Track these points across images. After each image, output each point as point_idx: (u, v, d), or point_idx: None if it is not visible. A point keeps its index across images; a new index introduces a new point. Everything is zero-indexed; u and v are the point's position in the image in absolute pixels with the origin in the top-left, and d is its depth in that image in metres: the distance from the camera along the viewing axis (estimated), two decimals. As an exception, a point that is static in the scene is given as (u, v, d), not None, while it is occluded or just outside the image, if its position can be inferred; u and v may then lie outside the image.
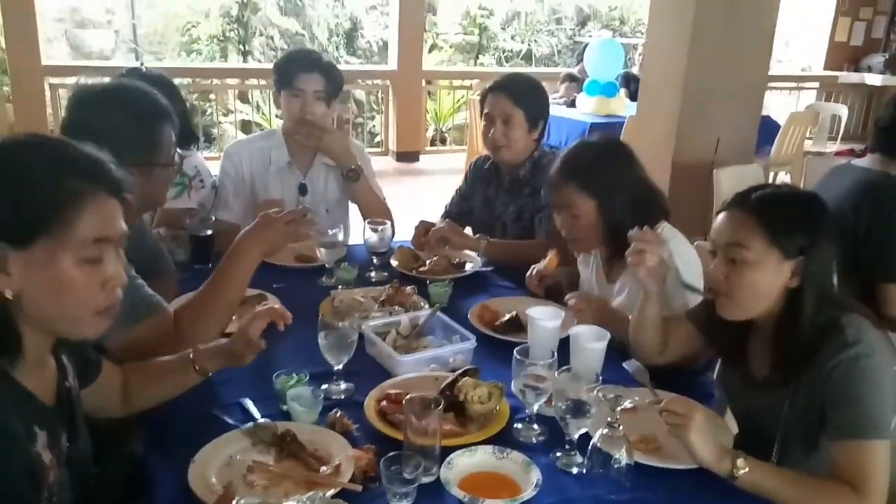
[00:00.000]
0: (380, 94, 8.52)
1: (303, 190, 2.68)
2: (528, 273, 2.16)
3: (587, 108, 6.50)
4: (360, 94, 10.01)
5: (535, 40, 12.36)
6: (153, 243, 2.05)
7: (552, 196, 2.05)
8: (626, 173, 1.97)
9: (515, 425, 1.52)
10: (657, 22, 4.12)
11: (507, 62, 12.05)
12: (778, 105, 8.59)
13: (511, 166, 2.56)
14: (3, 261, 1.01)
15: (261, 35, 10.78)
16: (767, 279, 1.44)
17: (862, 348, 1.36)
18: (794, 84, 9.78)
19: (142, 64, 2.71)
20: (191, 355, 1.46)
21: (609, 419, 1.35)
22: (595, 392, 1.35)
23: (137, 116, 1.64)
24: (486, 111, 2.54)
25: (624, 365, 1.69)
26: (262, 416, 1.48)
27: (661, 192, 2.06)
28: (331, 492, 1.23)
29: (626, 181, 1.94)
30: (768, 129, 6.43)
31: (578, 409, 1.37)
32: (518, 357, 1.48)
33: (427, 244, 2.38)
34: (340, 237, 2.27)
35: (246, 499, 1.14)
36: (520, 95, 2.49)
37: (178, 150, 2.43)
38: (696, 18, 3.79)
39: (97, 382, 1.37)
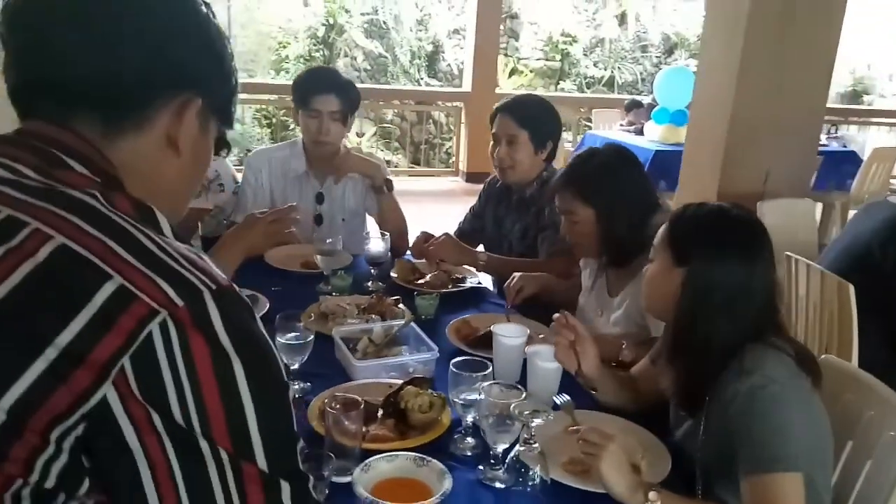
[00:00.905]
0: (455, 115, 8.67)
1: (320, 199, 2.78)
2: (506, 283, 2.18)
3: (654, 136, 6.39)
4: (440, 115, 10.23)
5: (618, 67, 12.25)
6: None
7: (556, 200, 2.07)
8: (627, 184, 1.97)
9: (454, 437, 1.53)
10: (707, 49, 4.03)
11: (588, 88, 12.00)
12: (880, 141, 8.18)
13: (519, 186, 2.58)
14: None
15: (345, 56, 11.18)
16: (661, 279, 1.52)
17: (758, 379, 1.31)
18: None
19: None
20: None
21: (525, 435, 1.34)
22: (512, 407, 1.35)
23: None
24: (493, 131, 2.57)
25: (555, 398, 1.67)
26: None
27: (666, 204, 2.06)
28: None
29: (626, 192, 1.95)
30: (851, 165, 6.15)
31: (502, 423, 1.38)
32: (454, 370, 1.50)
33: (426, 255, 2.42)
34: (339, 246, 2.35)
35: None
36: (525, 117, 2.50)
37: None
38: (746, 45, 3.68)
39: None
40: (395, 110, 10.31)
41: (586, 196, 1.96)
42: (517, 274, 2.18)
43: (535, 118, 2.52)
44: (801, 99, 3.84)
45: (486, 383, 1.42)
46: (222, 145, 2.91)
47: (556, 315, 1.70)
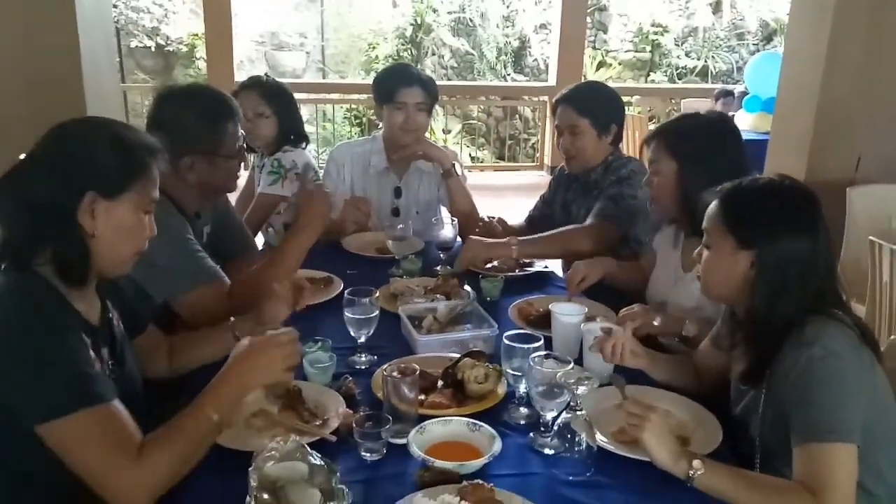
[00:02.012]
0: (540, 110, 8.66)
1: (397, 193, 2.89)
2: (568, 272, 2.20)
3: (745, 125, 6.19)
4: (525, 111, 10.23)
5: (712, 56, 11.86)
6: (237, 226, 2.36)
7: (647, 150, 2.09)
8: (719, 150, 1.94)
9: (508, 407, 1.60)
10: (794, 31, 3.89)
11: (679, 79, 11.68)
12: None
13: (584, 171, 2.60)
14: (93, 208, 1.32)
15: (433, 55, 11.36)
16: (725, 265, 1.49)
17: (817, 349, 1.31)
18: None
19: (266, 74, 3.07)
20: (231, 321, 1.72)
21: (570, 402, 1.39)
22: (559, 376, 1.40)
23: (203, 113, 1.93)
24: (556, 123, 2.61)
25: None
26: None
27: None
28: (307, 439, 1.40)
29: (714, 156, 1.92)
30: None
31: (550, 392, 1.43)
32: (507, 342, 1.56)
33: (463, 266, 2.40)
34: (410, 232, 2.46)
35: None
36: (584, 105, 2.53)
37: (289, 147, 2.78)
38: (835, 26, 3.53)
39: (141, 341, 1.66)
40: (482, 106, 10.40)
41: (673, 148, 1.97)
42: (578, 263, 2.18)
43: (595, 104, 2.54)
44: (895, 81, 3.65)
45: (536, 354, 1.48)
46: (301, 138, 3.10)
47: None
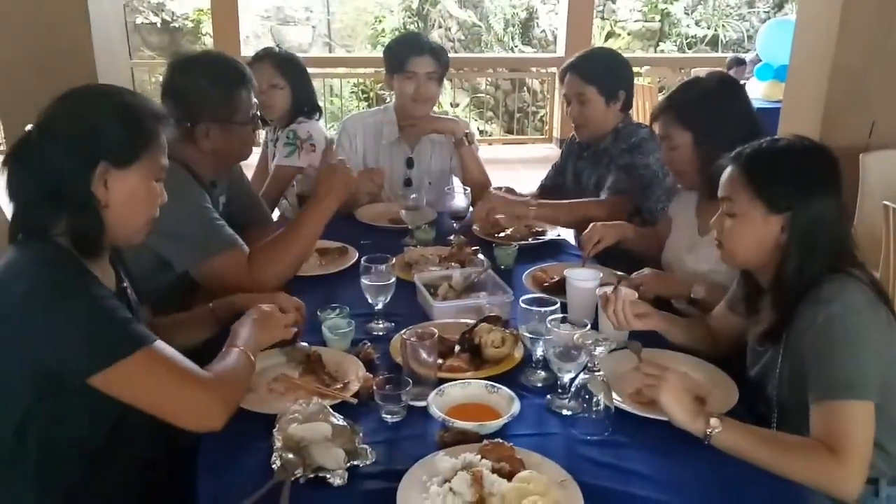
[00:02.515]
0: (548, 81, 8.60)
1: (410, 164, 2.89)
2: (583, 233, 2.19)
3: (757, 94, 6.14)
4: (534, 83, 10.15)
5: (722, 25, 11.70)
6: (252, 196, 2.37)
7: (657, 127, 2.08)
8: (729, 111, 1.94)
9: (525, 370, 1.62)
10: (805, 2, 3.85)
11: (689, 49, 11.54)
12: None
13: (594, 139, 2.60)
14: (106, 179, 1.33)
15: (439, 27, 11.26)
16: (753, 231, 1.47)
17: (836, 307, 1.31)
18: None
19: (277, 46, 3.06)
20: (211, 306, 1.73)
21: (588, 364, 1.41)
22: (576, 337, 1.41)
23: (217, 80, 1.94)
24: (563, 92, 2.60)
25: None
26: (303, 342, 1.70)
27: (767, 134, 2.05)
28: (329, 402, 1.43)
29: (725, 117, 1.92)
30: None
31: (567, 354, 1.45)
32: (523, 306, 1.58)
33: (478, 216, 2.47)
34: (423, 202, 2.47)
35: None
36: (590, 72, 2.52)
37: (303, 119, 2.79)
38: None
39: None
40: (489, 79, 10.33)
41: (684, 119, 1.96)
42: (596, 224, 2.18)
43: (601, 71, 2.53)
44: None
45: (553, 317, 1.49)
46: (314, 110, 3.09)
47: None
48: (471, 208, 2.52)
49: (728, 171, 1.53)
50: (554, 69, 8.36)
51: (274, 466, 1.24)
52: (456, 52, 10.95)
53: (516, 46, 11.48)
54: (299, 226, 2.00)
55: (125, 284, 1.51)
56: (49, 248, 1.31)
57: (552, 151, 8.23)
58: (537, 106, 10.30)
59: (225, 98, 1.94)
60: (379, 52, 10.59)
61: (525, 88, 10.21)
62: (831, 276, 1.38)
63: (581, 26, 8.06)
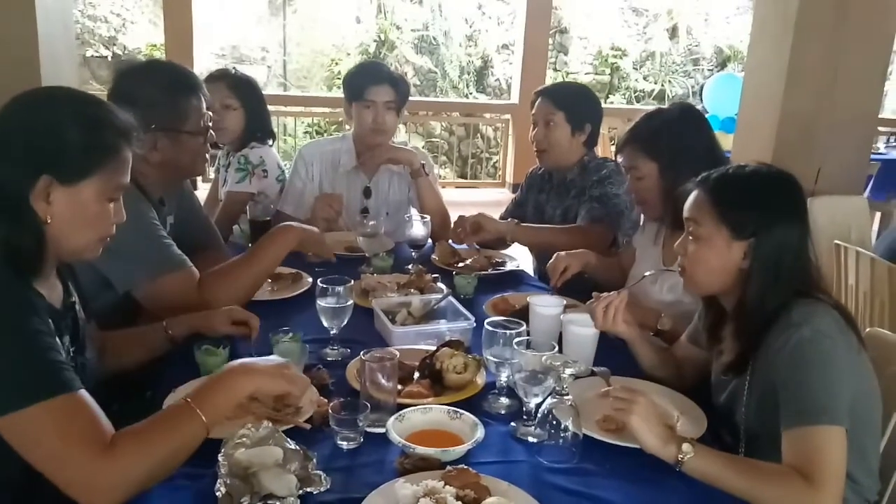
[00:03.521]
0: (502, 128, 8.72)
1: (367, 193, 2.84)
2: (548, 263, 2.17)
3: (704, 144, 6.30)
4: (487, 130, 10.27)
5: (669, 81, 12.13)
6: (204, 220, 2.27)
7: (621, 158, 2.07)
8: (691, 139, 1.95)
9: (488, 397, 1.55)
10: (756, 47, 3.98)
11: (637, 102, 11.90)
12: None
13: (560, 170, 2.60)
14: (49, 193, 1.21)
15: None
16: (717, 256, 1.45)
17: (806, 330, 1.30)
18: None
19: (233, 68, 3.00)
20: (164, 323, 1.63)
21: (556, 387, 1.35)
22: (543, 359, 1.36)
23: (165, 86, 1.84)
24: (532, 113, 2.61)
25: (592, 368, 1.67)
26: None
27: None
28: (282, 427, 1.33)
29: (689, 147, 1.93)
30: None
31: (534, 378, 1.39)
32: (488, 328, 1.52)
33: (462, 232, 2.45)
34: (381, 229, 2.40)
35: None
36: (561, 98, 2.55)
37: (256, 144, 2.71)
38: (796, 43, 3.63)
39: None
40: (444, 125, 10.42)
41: (648, 150, 1.96)
42: (560, 254, 2.15)
43: (572, 100, 2.56)
44: (854, 96, 3.75)
45: (519, 339, 1.44)
46: (268, 135, 3.01)
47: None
48: (429, 241, 2.47)
49: (694, 194, 1.51)
50: (508, 116, 8.51)
51: (218, 494, 1.14)
52: (412, 96, 11.05)
53: (471, 94, 11.66)
54: (258, 252, 1.92)
55: (73, 300, 1.39)
56: None
57: (504, 196, 8.29)
58: (490, 152, 10.42)
59: (173, 105, 1.83)
60: (335, 94, 10.65)
61: (479, 135, 10.33)
62: (799, 300, 1.37)
63: (535, 76, 8.22)
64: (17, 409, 1.09)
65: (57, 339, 1.20)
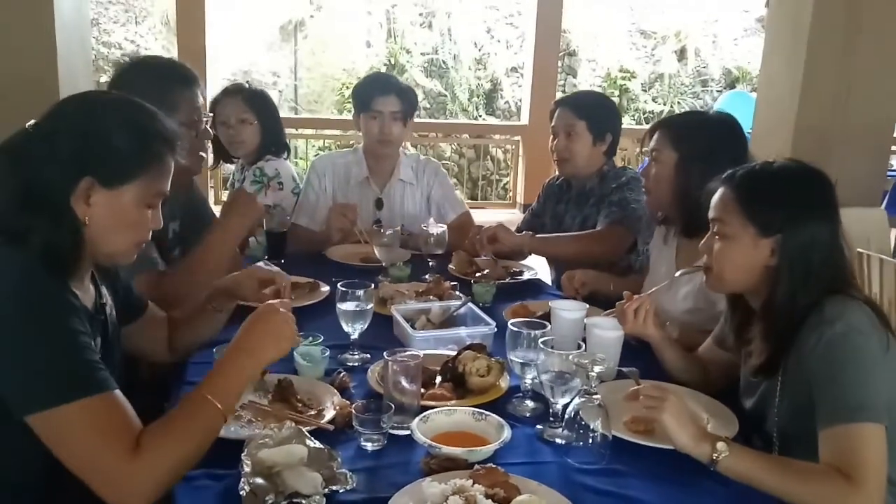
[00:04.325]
0: (512, 149, 8.74)
1: (379, 204, 2.83)
2: (564, 275, 2.15)
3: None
4: (497, 152, 10.31)
5: (678, 102, 12.17)
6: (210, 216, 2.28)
7: (650, 140, 2.03)
8: (721, 145, 1.89)
9: (512, 400, 1.52)
10: (769, 61, 3.98)
11: (646, 123, 11.94)
12: None
13: (579, 179, 2.58)
14: (90, 195, 1.21)
15: (405, 95, 11.45)
16: (743, 255, 1.42)
17: (840, 326, 1.26)
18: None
19: (247, 82, 3.01)
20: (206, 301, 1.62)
21: (585, 387, 1.32)
22: (571, 358, 1.33)
23: (157, 76, 1.85)
24: (552, 124, 2.59)
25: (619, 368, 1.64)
26: (274, 371, 1.58)
27: None
28: (306, 429, 1.30)
29: (715, 154, 1.85)
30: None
31: (561, 378, 1.36)
32: (512, 329, 1.49)
33: (478, 242, 2.42)
34: (398, 238, 2.39)
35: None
36: (582, 108, 2.53)
37: (271, 157, 2.71)
38: (809, 57, 3.63)
39: (141, 324, 1.57)
40: (454, 147, 10.46)
41: (676, 139, 1.93)
42: (578, 271, 2.14)
43: (593, 110, 2.54)
44: (869, 107, 3.74)
45: (545, 339, 1.41)
46: (282, 148, 2.99)
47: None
48: (447, 247, 2.44)
49: (720, 192, 1.48)
50: (518, 137, 8.53)
51: (242, 493, 1.11)
52: (422, 119, 11.13)
53: (480, 116, 11.72)
54: (208, 247, 1.93)
55: (105, 301, 1.39)
56: (26, 256, 1.17)
57: (515, 216, 8.30)
58: (500, 174, 10.44)
59: (163, 95, 1.74)
60: (345, 117, 10.74)
61: (489, 157, 10.36)
62: (831, 297, 1.33)
63: (544, 98, 8.24)
64: (54, 406, 1.09)
65: (91, 341, 1.19)
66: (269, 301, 1.35)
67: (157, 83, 1.81)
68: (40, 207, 1.19)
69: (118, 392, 1.15)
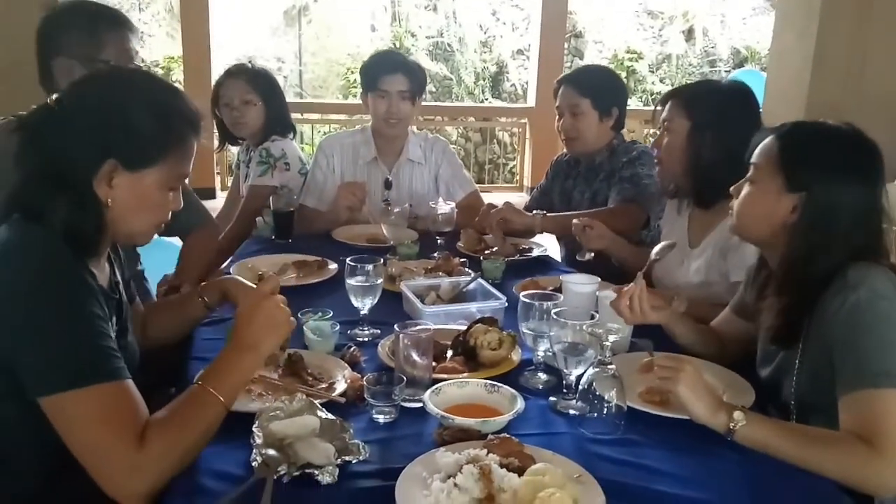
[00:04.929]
0: (519, 132, 8.69)
1: (388, 184, 2.80)
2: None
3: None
4: (503, 136, 10.25)
5: (685, 83, 12.04)
6: (190, 197, 2.24)
7: (663, 108, 2.00)
8: (733, 113, 1.87)
9: (524, 373, 1.50)
10: (779, 39, 3.93)
11: (653, 104, 11.86)
12: None
13: (588, 155, 2.55)
14: (112, 177, 1.20)
15: (411, 79, 11.38)
16: (764, 203, 1.41)
17: (864, 291, 1.24)
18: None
19: (250, 62, 2.98)
20: (199, 290, 1.60)
21: (599, 357, 1.30)
22: (585, 328, 1.31)
23: (84, 16, 1.86)
24: (557, 104, 2.56)
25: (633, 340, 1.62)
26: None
27: None
28: (317, 401, 1.29)
29: (728, 122, 1.84)
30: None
31: (573, 348, 1.34)
32: (524, 300, 1.47)
33: (488, 224, 2.40)
34: (405, 216, 2.37)
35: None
36: (585, 85, 2.49)
37: (276, 137, 2.69)
38: (820, 32, 3.58)
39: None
40: (460, 131, 10.40)
41: (688, 108, 1.90)
42: (597, 223, 2.15)
43: (597, 86, 2.50)
44: (885, 79, 3.69)
45: (557, 310, 1.39)
46: (288, 128, 2.95)
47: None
48: (455, 224, 2.42)
49: (767, 140, 1.46)
50: (525, 120, 8.47)
51: (254, 464, 1.10)
52: (426, 102, 11.07)
53: (486, 99, 11.65)
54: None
55: (118, 280, 1.38)
56: (48, 234, 1.16)
57: (523, 199, 8.24)
58: (507, 157, 10.38)
59: (90, 34, 1.82)
60: (351, 101, 10.70)
61: (495, 140, 10.30)
62: (856, 263, 1.30)
63: (551, 80, 8.10)
64: (67, 390, 1.07)
65: (108, 325, 1.18)
66: (257, 289, 1.30)
67: (83, 22, 1.83)
68: (62, 187, 1.18)
69: (130, 381, 1.13)
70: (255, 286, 1.45)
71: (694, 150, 1.87)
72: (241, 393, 1.35)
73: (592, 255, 2.15)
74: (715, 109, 1.87)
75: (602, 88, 2.51)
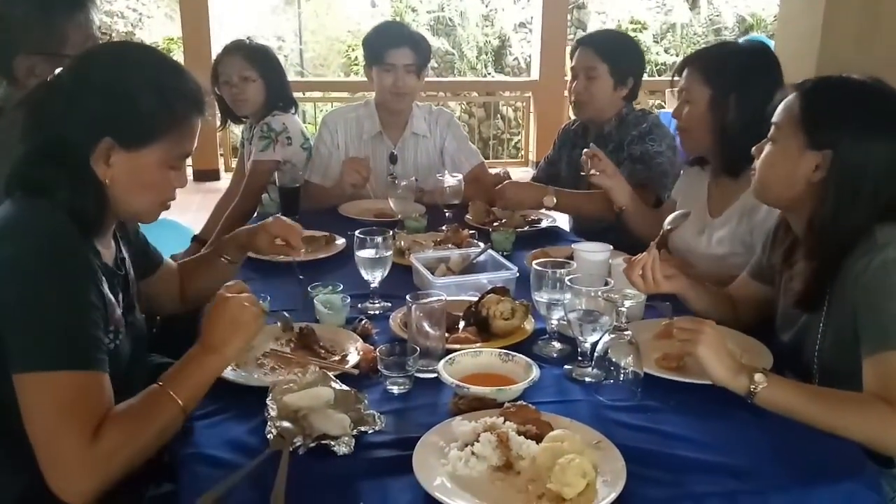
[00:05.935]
0: (522, 107, 8.61)
1: (393, 159, 2.77)
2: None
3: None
4: (507, 111, 10.17)
5: (690, 52, 11.90)
6: None
7: (680, 77, 1.93)
8: (755, 79, 1.81)
9: (538, 342, 1.49)
10: (788, 2, 3.85)
11: (659, 75, 11.69)
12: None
13: (597, 123, 2.50)
14: (109, 155, 1.18)
15: (413, 54, 11.27)
16: (785, 163, 1.36)
17: (892, 251, 1.21)
18: None
19: (248, 38, 2.93)
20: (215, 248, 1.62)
21: (616, 323, 1.28)
22: (601, 293, 1.29)
23: (42, 3, 1.59)
24: (572, 65, 2.50)
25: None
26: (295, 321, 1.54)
27: None
28: (331, 373, 1.27)
29: (749, 87, 1.78)
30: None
31: (589, 315, 1.33)
32: (536, 268, 1.45)
33: (495, 194, 2.36)
34: (412, 189, 2.34)
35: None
36: (605, 49, 2.42)
37: (278, 112, 2.64)
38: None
39: (157, 277, 1.56)
40: (463, 107, 10.32)
41: (707, 75, 1.83)
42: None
43: (616, 51, 2.43)
44: (891, 43, 3.61)
45: (571, 277, 1.37)
46: (290, 104, 2.88)
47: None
48: (463, 196, 2.39)
49: (789, 97, 1.40)
50: (528, 93, 8.38)
51: (269, 437, 1.09)
52: (429, 78, 10.96)
53: (489, 74, 11.54)
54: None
55: (123, 256, 1.36)
56: (52, 212, 1.15)
57: (528, 174, 8.18)
58: (511, 133, 10.31)
59: (49, 25, 1.58)
60: (353, 79, 10.62)
61: (499, 116, 10.22)
62: (883, 224, 1.27)
63: (554, 53, 8.07)
64: (40, 371, 1.05)
65: (101, 317, 1.15)
66: (221, 290, 1.25)
67: (39, 10, 1.59)
68: (62, 164, 1.16)
69: (105, 375, 1.10)
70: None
71: (717, 118, 1.81)
72: (254, 366, 1.36)
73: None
74: (735, 73, 1.81)
75: (622, 56, 2.44)
